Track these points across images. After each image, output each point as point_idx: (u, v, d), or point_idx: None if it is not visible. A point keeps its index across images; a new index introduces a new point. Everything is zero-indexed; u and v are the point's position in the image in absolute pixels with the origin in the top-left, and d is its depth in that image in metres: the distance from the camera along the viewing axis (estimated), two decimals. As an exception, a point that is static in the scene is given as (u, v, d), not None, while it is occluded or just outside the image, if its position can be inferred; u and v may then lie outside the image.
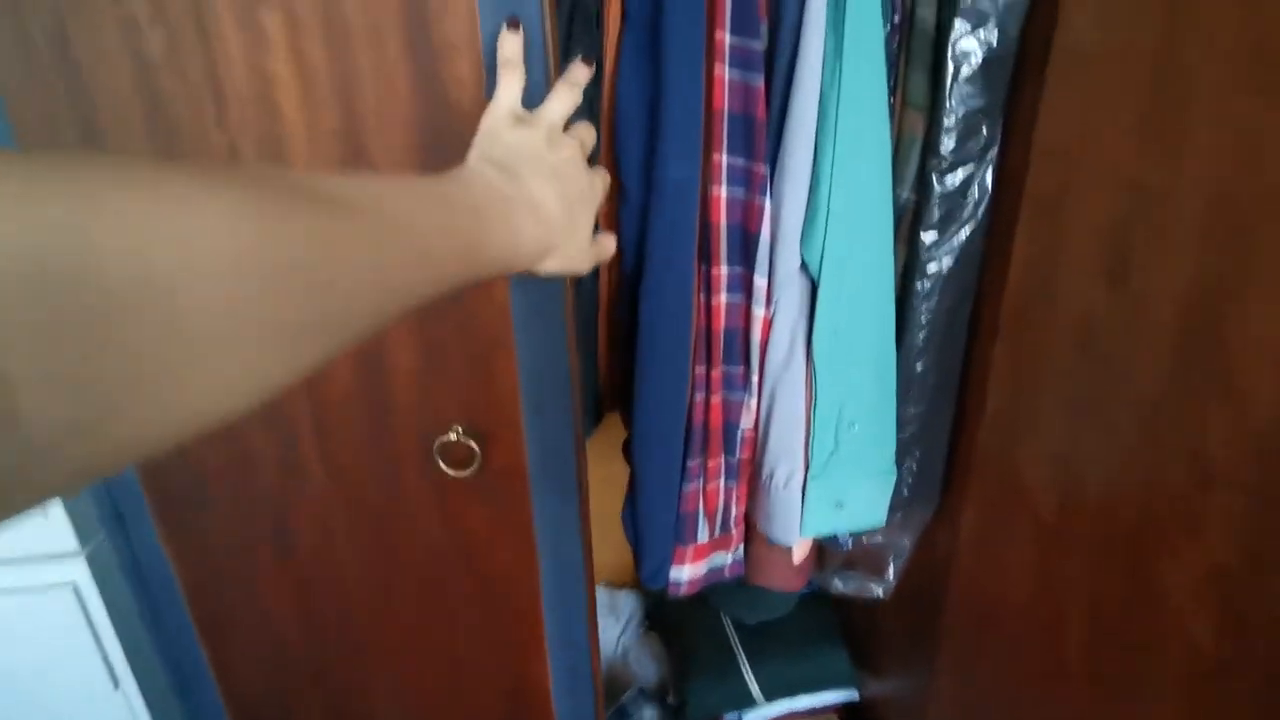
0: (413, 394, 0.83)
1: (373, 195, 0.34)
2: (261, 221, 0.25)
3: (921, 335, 0.89)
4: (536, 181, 0.48)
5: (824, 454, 0.90)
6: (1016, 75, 0.81)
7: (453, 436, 0.84)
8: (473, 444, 0.85)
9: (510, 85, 0.55)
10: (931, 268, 0.86)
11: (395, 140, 0.69)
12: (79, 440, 0.20)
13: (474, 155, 0.49)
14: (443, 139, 0.70)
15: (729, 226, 0.84)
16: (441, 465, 0.86)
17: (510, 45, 0.56)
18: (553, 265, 0.50)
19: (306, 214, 0.28)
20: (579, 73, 0.59)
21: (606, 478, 1.11)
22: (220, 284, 0.23)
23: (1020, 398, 0.86)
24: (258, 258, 0.25)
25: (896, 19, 0.79)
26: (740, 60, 0.77)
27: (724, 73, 0.77)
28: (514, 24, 0.58)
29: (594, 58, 0.78)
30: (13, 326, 0.18)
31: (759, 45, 0.77)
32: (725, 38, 0.76)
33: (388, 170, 0.70)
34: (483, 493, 0.89)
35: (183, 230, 0.23)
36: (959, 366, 0.94)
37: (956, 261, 0.86)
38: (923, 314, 0.88)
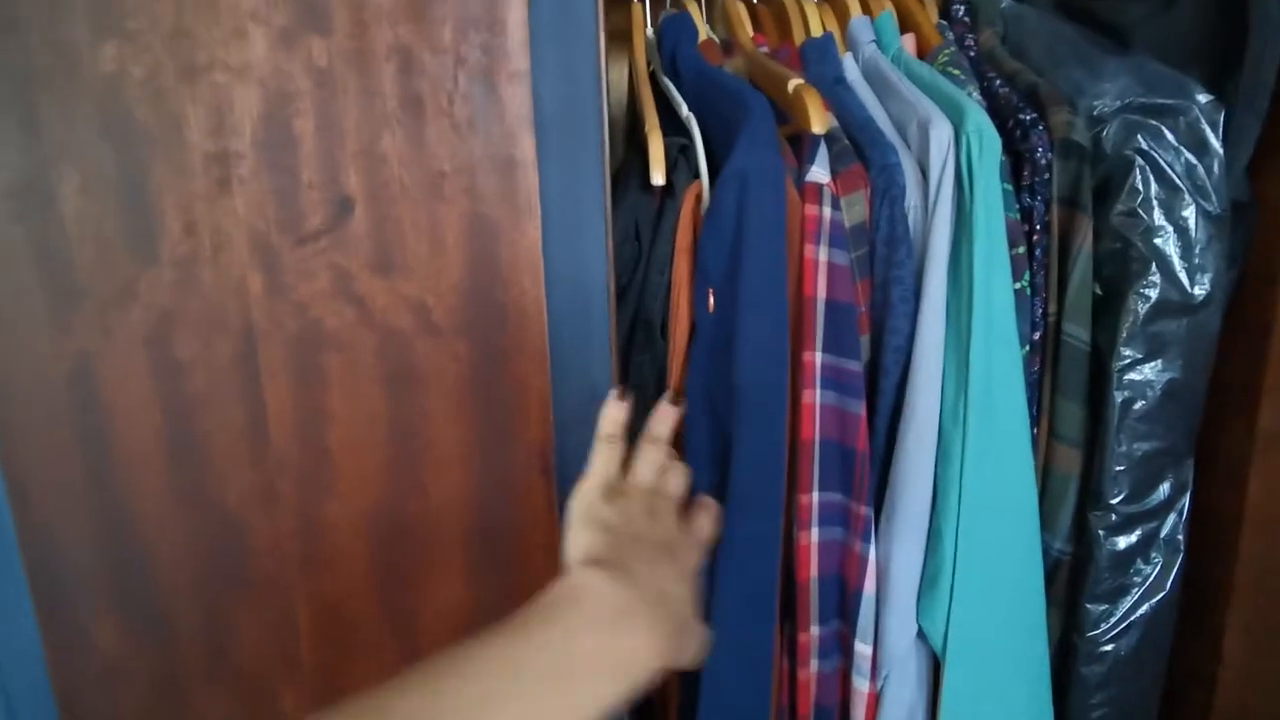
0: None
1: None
2: None
3: (1094, 741, 0.64)
4: (650, 569, 0.44)
5: None
6: (1212, 409, 0.62)
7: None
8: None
9: (607, 459, 0.51)
10: (1105, 648, 0.63)
11: (446, 521, 0.57)
12: None
13: (574, 552, 0.45)
14: (499, 523, 0.57)
15: (821, 579, 0.65)
16: None
17: (613, 418, 0.52)
18: (681, 656, 0.44)
19: None
20: (663, 423, 0.55)
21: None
22: None
23: None
24: None
25: (1037, 336, 0.64)
26: (835, 383, 0.63)
27: (814, 399, 0.62)
28: (621, 394, 0.53)
29: (657, 374, 0.66)
30: None
31: (857, 366, 0.63)
32: (816, 358, 0.62)
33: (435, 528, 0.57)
34: None
35: None
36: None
37: (1138, 643, 0.63)
38: (1094, 711, 0.64)
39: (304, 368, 0.55)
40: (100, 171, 0.51)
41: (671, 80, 0.75)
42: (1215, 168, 0.57)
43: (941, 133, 0.61)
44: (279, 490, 0.57)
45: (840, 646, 0.67)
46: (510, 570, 0.59)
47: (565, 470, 0.57)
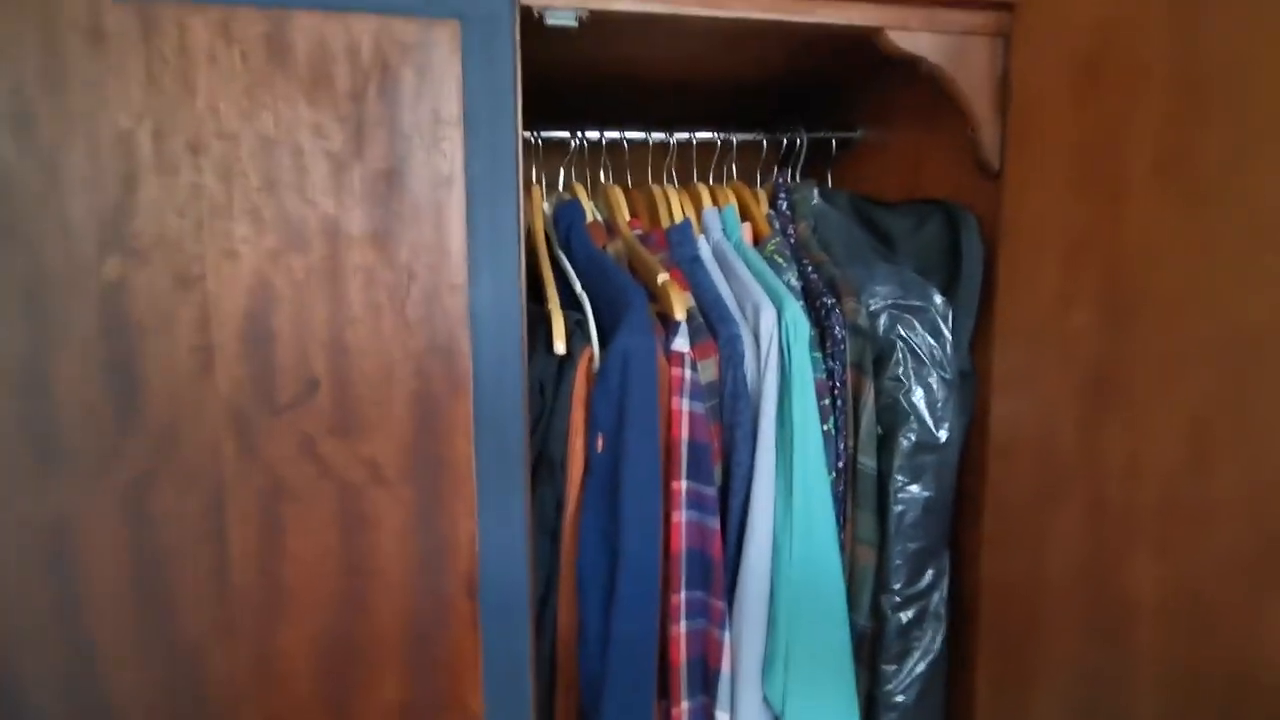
0: None
1: None
2: None
3: (892, 773, 0.84)
4: None
5: None
6: (957, 516, 0.86)
7: None
8: None
9: None
10: (898, 699, 0.84)
11: (388, 637, 0.67)
12: None
13: None
14: (432, 636, 0.69)
15: (689, 661, 0.82)
16: None
17: None
18: None
19: None
20: None
21: None
22: None
23: None
24: None
25: (840, 464, 0.86)
26: (697, 505, 0.81)
27: (681, 517, 0.80)
28: None
29: (556, 501, 0.81)
30: None
31: (713, 490, 0.82)
32: (682, 485, 0.81)
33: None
34: None
35: None
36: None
37: (919, 694, 0.85)
38: (892, 750, 0.84)
39: (267, 516, 0.66)
40: (95, 358, 0.61)
41: (565, 254, 0.93)
42: (947, 348, 0.83)
43: (769, 316, 0.83)
44: (237, 622, 0.66)
45: (705, 717, 0.84)
46: (441, 674, 0.71)
47: (486, 593, 0.71)
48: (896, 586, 0.83)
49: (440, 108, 0.64)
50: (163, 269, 0.62)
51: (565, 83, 0.98)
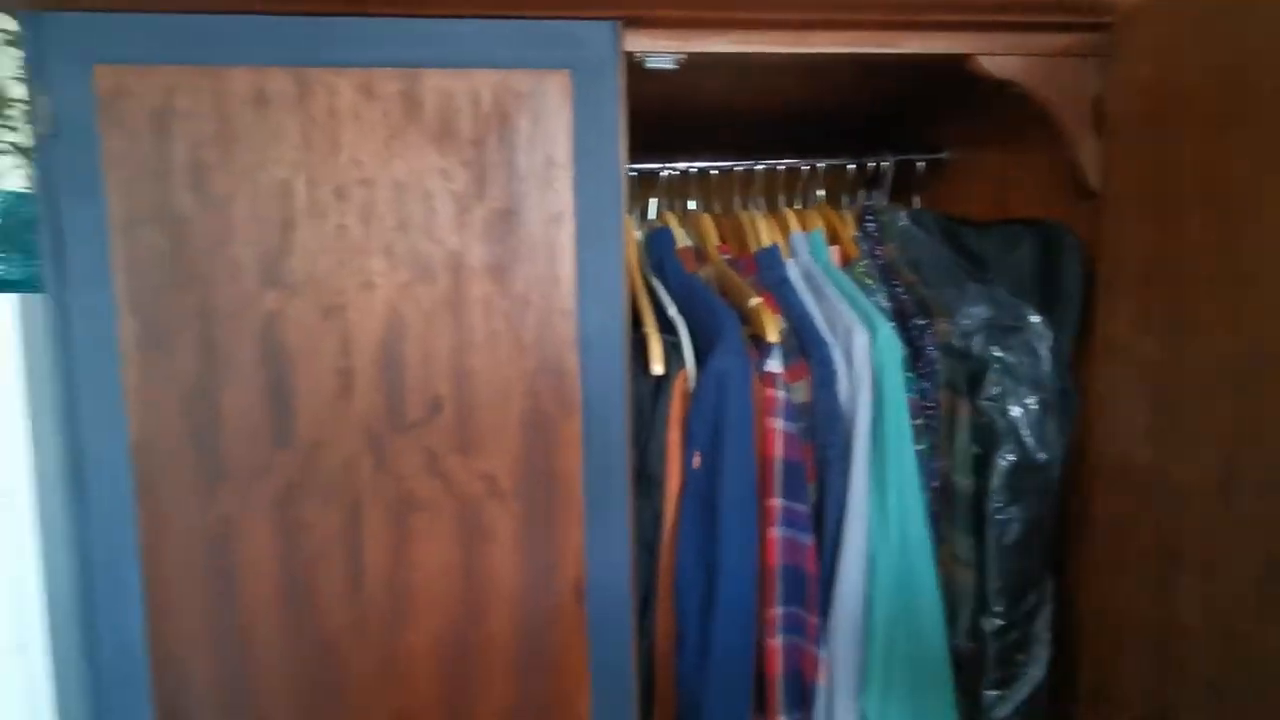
0: None
1: None
2: None
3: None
4: None
5: None
6: (1062, 539, 0.85)
7: None
8: None
9: None
10: (998, 724, 0.83)
11: (501, 642, 0.74)
12: None
13: None
14: (542, 640, 0.73)
15: (786, 675, 0.83)
16: None
17: None
18: None
19: None
20: None
21: None
22: None
23: None
24: None
25: (935, 484, 0.86)
26: (790, 522, 0.83)
27: (777, 534, 0.83)
28: None
29: (654, 516, 0.85)
30: None
31: (806, 508, 0.84)
32: (778, 503, 0.83)
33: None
34: None
35: None
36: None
37: None
38: (993, 776, 0.83)
39: (396, 526, 0.72)
40: (254, 382, 0.69)
41: (659, 280, 0.97)
42: (1045, 367, 0.82)
43: (862, 338, 0.85)
44: (369, 625, 0.73)
45: (803, 733, 0.85)
46: (551, 677, 0.75)
47: (593, 600, 0.75)
48: (997, 609, 0.82)
49: (553, 151, 0.70)
50: (312, 301, 0.69)
51: (654, 116, 1.04)
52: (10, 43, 1.05)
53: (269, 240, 0.68)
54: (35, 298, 0.76)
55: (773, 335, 0.83)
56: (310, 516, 0.71)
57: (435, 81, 0.69)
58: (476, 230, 0.70)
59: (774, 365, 0.84)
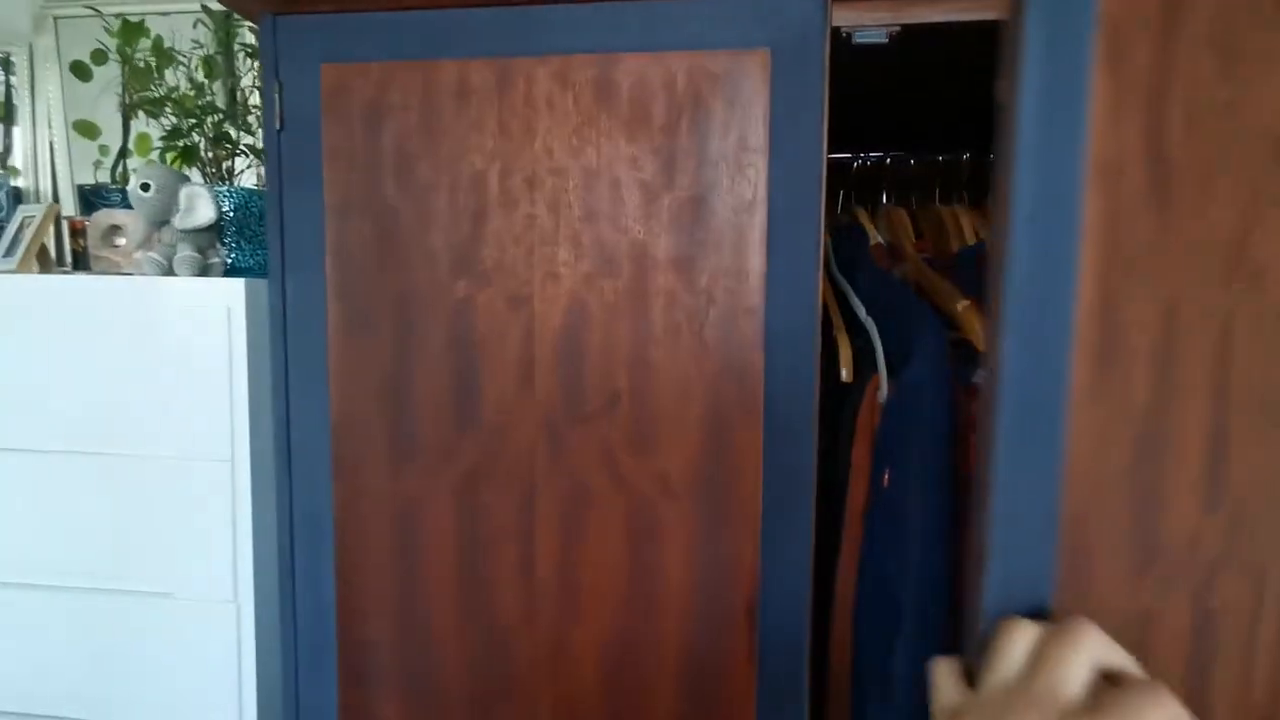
0: None
1: None
2: None
3: None
4: None
5: None
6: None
7: None
8: None
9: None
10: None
11: (666, 651, 0.72)
12: None
13: None
14: (709, 655, 0.71)
15: None
16: None
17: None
18: None
19: None
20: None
21: None
22: None
23: None
24: None
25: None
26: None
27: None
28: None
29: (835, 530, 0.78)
30: None
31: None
32: (979, 533, 0.73)
33: None
34: None
35: None
36: None
37: None
38: None
39: (568, 519, 0.71)
40: (443, 367, 0.71)
41: (847, 279, 0.90)
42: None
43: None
44: (539, 615, 0.72)
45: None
46: (715, 690, 0.71)
47: (765, 616, 0.69)
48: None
49: (747, 135, 0.66)
50: (500, 290, 0.70)
51: (849, 102, 0.96)
52: (250, 55, 1.17)
53: (463, 229, 0.70)
54: (260, 282, 0.83)
55: (983, 343, 0.74)
56: (489, 501, 0.72)
57: (631, 65, 0.67)
58: (663, 220, 0.68)
59: (982, 375, 0.74)
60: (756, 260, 0.67)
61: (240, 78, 1.21)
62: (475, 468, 0.72)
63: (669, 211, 0.68)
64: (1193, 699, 0.61)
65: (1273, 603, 0.40)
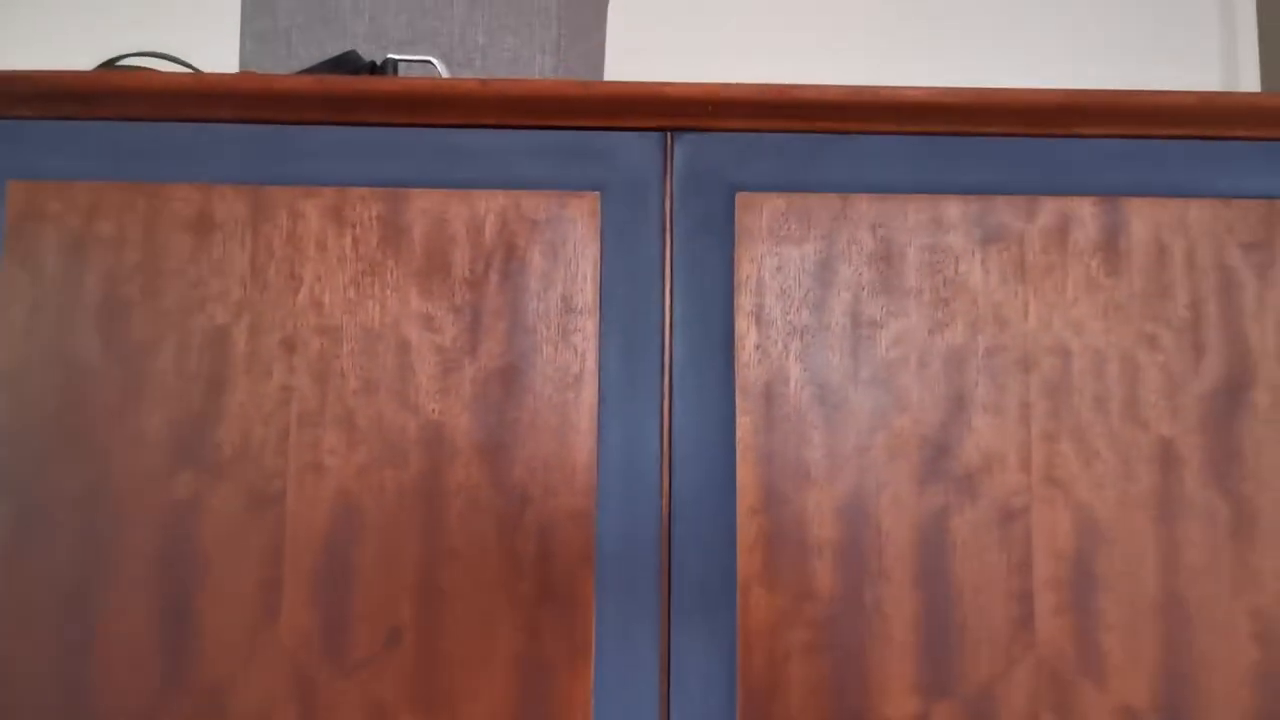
0: None
1: None
2: None
3: None
4: None
5: None
6: None
7: None
8: None
9: None
10: None
11: None
12: None
13: None
14: None
15: None
16: None
17: None
18: None
19: None
20: None
21: None
22: None
23: None
24: None
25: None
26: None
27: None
28: None
29: None
30: None
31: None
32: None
33: None
34: None
35: None
36: None
37: None
38: None
39: (322, 813, 0.50)
40: (146, 595, 0.50)
41: None
42: None
43: None
44: None
45: None
46: None
47: None
48: None
49: (573, 294, 0.53)
50: (238, 486, 0.51)
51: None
52: None
53: (192, 403, 0.51)
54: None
55: None
56: (201, 795, 0.50)
57: (425, 203, 0.53)
58: (464, 395, 0.52)
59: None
60: (585, 449, 0.52)
61: None
62: (184, 744, 0.50)
63: (473, 384, 0.52)
64: None
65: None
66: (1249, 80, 1.12)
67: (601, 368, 0.52)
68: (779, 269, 0.53)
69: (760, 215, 0.54)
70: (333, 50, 0.66)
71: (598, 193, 0.53)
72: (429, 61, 0.61)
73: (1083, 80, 1.05)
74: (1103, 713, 0.51)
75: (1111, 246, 0.54)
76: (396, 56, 0.61)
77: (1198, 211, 0.54)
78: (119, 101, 0.52)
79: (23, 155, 0.53)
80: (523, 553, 0.51)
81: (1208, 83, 1.11)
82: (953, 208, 0.54)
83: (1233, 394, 0.53)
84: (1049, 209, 0.54)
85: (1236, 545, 0.52)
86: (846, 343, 0.53)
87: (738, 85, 0.53)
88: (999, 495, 0.52)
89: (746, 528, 0.52)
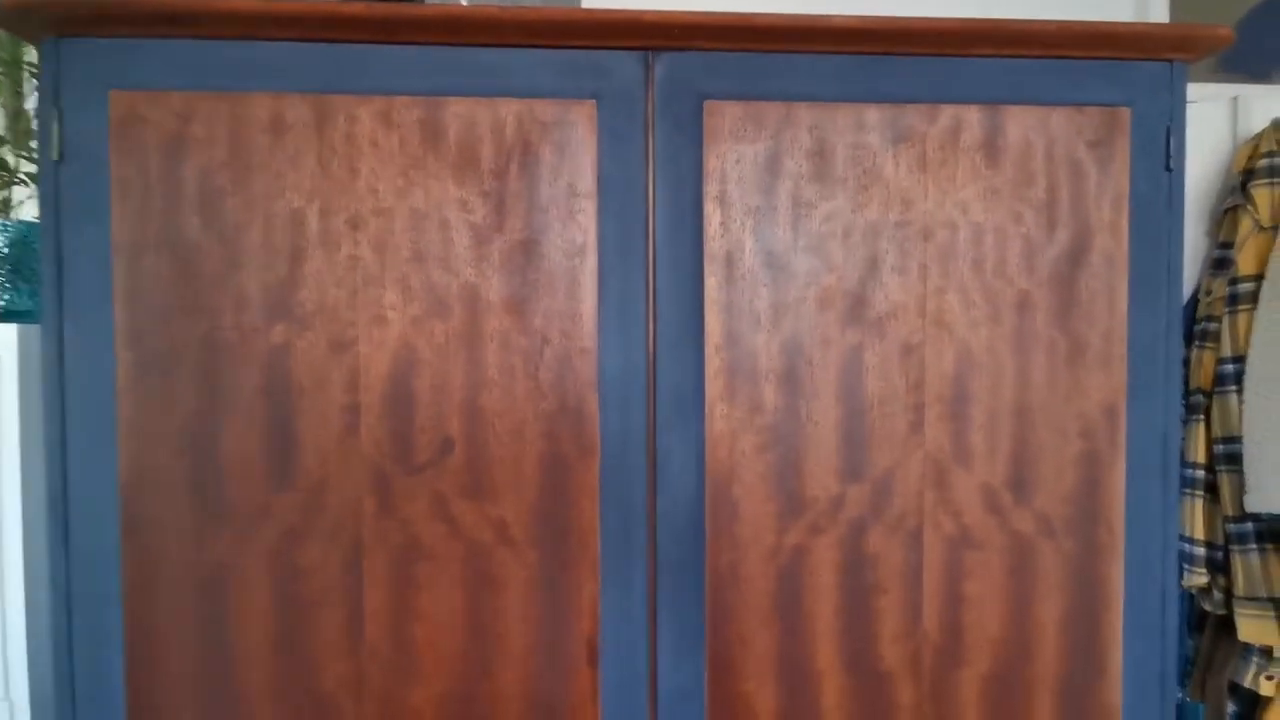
0: None
1: None
2: None
3: None
4: None
5: None
6: None
7: None
8: None
9: None
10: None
11: (510, 703, 0.68)
12: None
13: None
14: (552, 702, 0.69)
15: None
16: None
17: None
18: None
19: None
20: None
21: None
22: None
23: None
24: None
25: None
26: None
27: None
28: None
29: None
30: None
31: None
32: None
33: None
34: None
35: None
36: None
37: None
38: None
39: (401, 574, 0.67)
40: (255, 419, 0.66)
41: None
42: None
43: None
44: (368, 679, 0.67)
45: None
46: (560, 748, 0.69)
47: (606, 657, 0.69)
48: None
49: (576, 182, 0.67)
50: (320, 334, 0.66)
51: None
52: (35, 75, 1.05)
53: (279, 271, 0.66)
54: (36, 329, 0.73)
55: None
56: (310, 563, 0.66)
57: (458, 109, 0.66)
58: (494, 262, 0.67)
59: None
60: (589, 302, 0.68)
61: (24, 99, 1.08)
62: (293, 528, 0.66)
63: (500, 254, 0.67)
64: (852, 620, 0.69)
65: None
66: (1158, 11, 1.27)
67: (600, 240, 0.68)
68: (738, 162, 0.68)
69: (723, 119, 0.68)
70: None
71: (595, 100, 0.67)
72: (446, -12, 0.73)
73: (997, 12, 1.19)
74: (970, 489, 0.71)
75: (991, 145, 0.70)
76: (418, -16, 0.73)
77: (1057, 117, 0.70)
78: (204, 22, 0.63)
79: (122, 69, 0.64)
80: (543, 380, 0.68)
81: (1120, 13, 1.26)
82: (872, 113, 0.69)
83: (1074, 257, 0.71)
84: (946, 115, 0.70)
85: (1070, 368, 0.71)
86: (788, 219, 0.69)
87: (705, 13, 0.67)
88: (901, 334, 0.70)
89: (712, 361, 0.69)
